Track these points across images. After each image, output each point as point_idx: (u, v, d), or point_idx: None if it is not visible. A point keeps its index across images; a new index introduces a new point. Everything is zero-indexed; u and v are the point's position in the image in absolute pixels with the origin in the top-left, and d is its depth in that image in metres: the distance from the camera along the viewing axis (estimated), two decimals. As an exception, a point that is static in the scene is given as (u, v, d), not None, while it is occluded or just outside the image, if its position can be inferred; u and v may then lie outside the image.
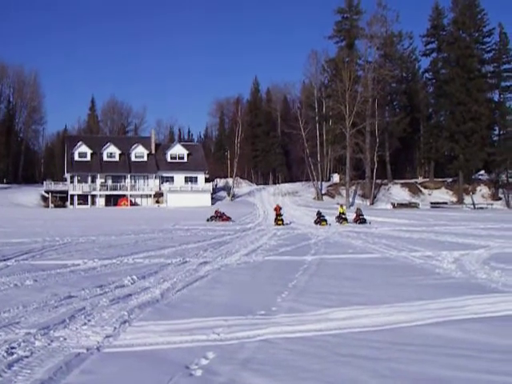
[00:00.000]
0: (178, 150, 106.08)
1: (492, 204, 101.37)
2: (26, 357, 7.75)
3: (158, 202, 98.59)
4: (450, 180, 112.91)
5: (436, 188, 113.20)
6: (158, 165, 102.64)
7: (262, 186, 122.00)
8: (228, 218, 55.17)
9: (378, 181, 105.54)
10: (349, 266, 18.86)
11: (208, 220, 53.95)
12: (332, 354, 8.04)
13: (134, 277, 15.26)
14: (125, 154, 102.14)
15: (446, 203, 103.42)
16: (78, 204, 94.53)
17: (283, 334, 9.20)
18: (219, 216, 55.08)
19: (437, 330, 9.53)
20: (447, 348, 8.37)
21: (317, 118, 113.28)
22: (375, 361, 7.71)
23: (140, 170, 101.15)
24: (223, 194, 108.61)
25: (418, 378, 7.03)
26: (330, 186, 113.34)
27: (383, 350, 8.30)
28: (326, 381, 6.90)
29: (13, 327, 9.40)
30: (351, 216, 52.65)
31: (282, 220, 48.38)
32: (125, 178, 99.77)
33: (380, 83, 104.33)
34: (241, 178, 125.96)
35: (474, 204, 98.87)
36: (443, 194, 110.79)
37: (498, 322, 10.23)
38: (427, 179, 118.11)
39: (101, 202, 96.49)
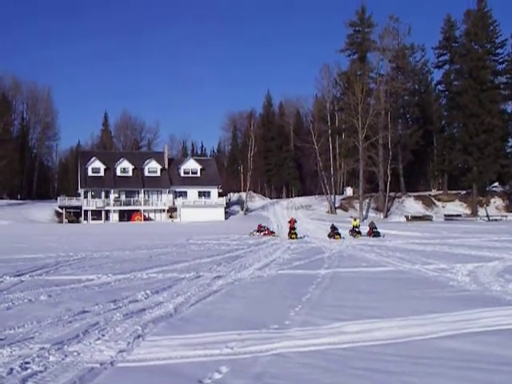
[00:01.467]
0: (191, 164, 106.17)
1: (506, 216, 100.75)
2: (41, 372, 7.79)
3: (171, 216, 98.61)
4: (463, 192, 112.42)
5: (450, 200, 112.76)
6: (171, 180, 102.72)
7: (275, 200, 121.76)
8: (271, 232, 54.52)
9: (392, 194, 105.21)
10: (362, 280, 18.83)
11: (251, 234, 53.37)
12: (345, 368, 8.02)
13: (148, 291, 15.29)
14: (138, 169, 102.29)
15: (459, 215, 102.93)
16: (92, 219, 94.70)
17: (296, 347, 9.20)
18: (261, 230, 54.55)
19: (451, 342, 9.51)
20: (462, 361, 8.34)
21: (329, 132, 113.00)
22: (389, 374, 7.69)
23: (153, 184, 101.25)
24: (237, 208, 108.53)
25: (432, 391, 7.02)
26: (344, 199, 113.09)
27: (397, 363, 8.28)
28: (340, 394, 6.90)
29: (27, 342, 9.45)
30: (365, 229, 52.50)
31: (295, 233, 48.29)
32: (138, 193, 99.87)
33: (392, 96, 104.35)
34: (254, 192, 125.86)
35: (488, 216, 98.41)
36: (457, 207, 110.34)
37: (513, 334, 10.19)
38: (441, 192, 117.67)
39: (114, 217, 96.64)
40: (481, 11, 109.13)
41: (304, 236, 50.46)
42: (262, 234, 53.47)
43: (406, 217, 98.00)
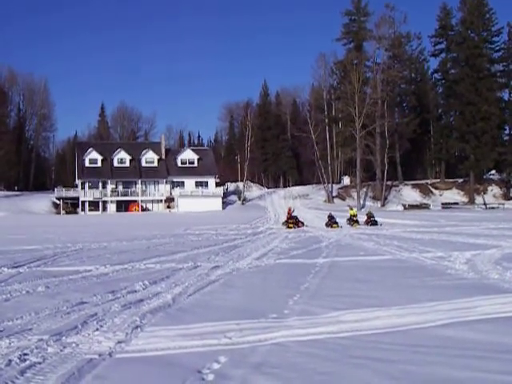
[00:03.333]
0: (189, 154, 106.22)
1: (504, 204, 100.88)
2: (39, 363, 7.78)
3: (168, 207, 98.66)
4: (460, 180, 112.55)
5: (447, 188, 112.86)
6: (168, 170, 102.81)
7: (272, 190, 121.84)
8: (302, 224, 50.02)
9: (389, 182, 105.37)
10: (360, 268, 18.83)
11: (283, 224, 51.45)
12: (344, 357, 8.03)
13: (146, 282, 15.28)
14: (135, 160, 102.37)
15: (457, 204, 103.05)
16: (89, 210, 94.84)
17: (295, 337, 9.19)
18: (290, 222, 51.50)
19: (449, 331, 9.51)
20: (460, 349, 8.35)
21: (326, 121, 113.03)
22: (387, 363, 7.70)
23: (150, 175, 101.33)
24: (234, 198, 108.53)
25: (430, 379, 7.02)
26: (341, 188, 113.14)
27: (395, 351, 8.28)
28: (340, 383, 6.89)
29: (25, 334, 9.43)
30: (362, 218, 52.50)
31: (292, 223, 48.27)
32: (135, 183, 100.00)
33: (389, 84, 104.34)
34: (251, 181, 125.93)
35: (485, 204, 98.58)
36: (454, 195, 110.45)
37: (511, 322, 10.20)
38: (438, 180, 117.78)
39: (112, 207, 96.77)
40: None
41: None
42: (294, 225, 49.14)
43: (404, 205, 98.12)
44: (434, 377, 7.10)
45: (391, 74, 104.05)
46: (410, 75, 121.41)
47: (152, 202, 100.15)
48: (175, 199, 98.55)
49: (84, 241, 32.86)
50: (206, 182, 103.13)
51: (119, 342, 8.88)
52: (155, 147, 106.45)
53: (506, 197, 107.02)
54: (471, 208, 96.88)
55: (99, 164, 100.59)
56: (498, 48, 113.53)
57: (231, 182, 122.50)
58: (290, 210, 50.80)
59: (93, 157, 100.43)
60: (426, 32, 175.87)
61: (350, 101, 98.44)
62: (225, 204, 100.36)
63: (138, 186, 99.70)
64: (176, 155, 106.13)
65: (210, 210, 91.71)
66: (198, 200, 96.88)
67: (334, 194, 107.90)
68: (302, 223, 49.48)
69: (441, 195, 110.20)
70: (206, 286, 15.07)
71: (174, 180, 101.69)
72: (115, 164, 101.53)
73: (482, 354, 8.08)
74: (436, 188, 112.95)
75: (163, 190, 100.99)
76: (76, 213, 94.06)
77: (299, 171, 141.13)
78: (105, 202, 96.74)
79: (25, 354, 8.15)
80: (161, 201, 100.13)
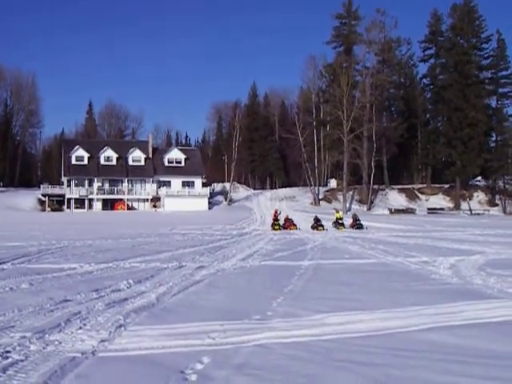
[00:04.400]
0: (176, 154, 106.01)
1: (489, 210, 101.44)
2: (21, 361, 7.75)
3: (155, 206, 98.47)
4: (447, 186, 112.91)
5: (433, 194, 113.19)
6: (155, 169, 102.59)
7: (259, 191, 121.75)
8: (295, 226, 50.34)
9: (375, 186, 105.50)
10: (345, 272, 18.88)
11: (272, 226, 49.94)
12: (327, 360, 8.04)
13: (131, 281, 15.27)
14: (122, 158, 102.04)
15: (442, 209, 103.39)
16: (75, 208, 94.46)
17: (278, 338, 9.20)
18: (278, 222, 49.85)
19: (432, 335, 9.55)
20: (443, 354, 8.38)
21: (314, 123, 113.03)
22: (370, 366, 7.71)
23: (137, 174, 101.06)
24: (220, 198, 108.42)
25: (413, 383, 7.03)
26: (327, 191, 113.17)
27: (379, 355, 8.30)
28: (321, 386, 6.91)
29: (8, 331, 9.39)
30: (348, 221, 52.62)
31: (278, 225, 48.38)
32: (122, 181, 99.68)
33: (378, 89, 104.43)
34: (238, 182, 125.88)
35: (470, 210, 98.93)
36: (440, 200, 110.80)
37: (494, 327, 10.27)
38: (424, 185, 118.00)
39: (98, 205, 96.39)
40: (467, 6, 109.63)
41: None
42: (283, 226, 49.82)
43: (390, 209, 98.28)
44: (416, 381, 7.12)
45: (380, 79, 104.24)
46: (399, 80, 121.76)
47: (138, 200, 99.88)
48: (161, 198, 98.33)
49: (69, 238, 32.80)
50: (193, 182, 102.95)
51: (102, 341, 8.86)
52: (142, 146, 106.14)
53: (492, 203, 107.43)
54: (457, 214, 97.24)
55: (86, 162, 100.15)
56: (486, 55, 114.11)
57: (218, 182, 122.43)
58: (276, 212, 50.86)
59: (79, 154, 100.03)
60: (416, 37, 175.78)
61: (339, 104, 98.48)
62: (211, 204, 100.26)
63: (125, 184, 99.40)
64: (163, 154, 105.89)
65: (196, 210, 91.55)
66: (185, 200, 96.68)
67: (321, 196, 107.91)
68: (295, 225, 49.61)
69: (427, 200, 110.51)
70: (190, 286, 15.07)
71: (161, 179, 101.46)
72: (102, 162, 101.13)
73: (465, 358, 8.12)
74: (422, 193, 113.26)
75: (149, 189, 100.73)
76: (61, 210, 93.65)
77: (286, 173, 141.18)
78: (91, 200, 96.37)
79: (7, 352, 8.12)
80: (147, 200, 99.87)
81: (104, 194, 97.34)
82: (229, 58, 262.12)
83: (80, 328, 9.72)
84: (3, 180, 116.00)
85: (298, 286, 15.23)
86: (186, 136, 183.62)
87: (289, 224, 49.78)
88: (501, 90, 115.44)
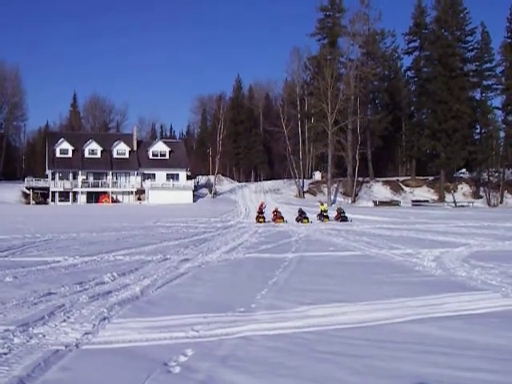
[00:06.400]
0: (160, 147, 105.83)
1: (473, 202, 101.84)
2: (5, 354, 7.73)
3: (139, 199, 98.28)
4: (431, 178, 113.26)
5: (417, 186, 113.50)
6: (139, 162, 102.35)
7: (243, 184, 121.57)
8: (282, 219, 49.65)
9: (360, 178, 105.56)
10: (329, 264, 18.91)
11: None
12: (311, 351, 8.06)
13: (115, 274, 15.25)
14: (106, 151, 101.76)
15: (427, 201, 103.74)
16: (60, 201, 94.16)
17: (262, 331, 9.22)
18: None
19: (416, 327, 9.59)
20: (426, 345, 8.42)
21: (299, 116, 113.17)
22: (354, 358, 7.74)
23: (122, 166, 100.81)
24: (205, 191, 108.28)
25: (396, 375, 7.06)
26: (312, 183, 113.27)
27: (362, 347, 8.33)
28: (304, 377, 6.92)
29: (-9, 324, 9.37)
30: (333, 214, 52.65)
31: (263, 217, 48.37)
32: (106, 174, 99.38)
33: (362, 81, 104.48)
34: (222, 175, 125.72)
35: (455, 202, 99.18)
36: (425, 192, 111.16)
37: (478, 319, 10.30)
38: (409, 177, 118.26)
39: (82, 198, 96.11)
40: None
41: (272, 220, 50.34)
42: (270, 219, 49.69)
43: (374, 202, 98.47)
44: (399, 372, 7.15)
45: (364, 71, 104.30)
46: (384, 72, 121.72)
47: (123, 193, 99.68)
48: (146, 191, 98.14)
49: (53, 231, 32.72)
50: (177, 175, 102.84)
51: (86, 334, 8.86)
52: (127, 139, 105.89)
53: (476, 195, 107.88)
54: (441, 206, 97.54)
55: (70, 155, 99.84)
56: (470, 47, 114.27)
57: (202, 175, 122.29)
58: (261, 205, 50.81)
59: (64, 147, 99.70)
60: (400, 30, 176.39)
61: (323, 96, 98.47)
62: (195, 197, 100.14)
63: (109, 177, 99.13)
64: (147, 147, 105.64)
65: (180, 202, 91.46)
66: (169, 192, 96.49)
67: (305, 189, 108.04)
68: (283, 218, 49.41)
69: (411, 192, 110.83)
70: (174, 278, 15.08)
71: (145, 172, 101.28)
72: (86, 155, 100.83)
73: (449, 350, 8.16)
74: (407, 185, 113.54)
75: (134, 181, 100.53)
76: (46, 203, 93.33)
77: (271, 166, 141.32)
78: (75, 193, 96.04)
79: (-10, 345, 8.10)
80: (131, 192, 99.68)
81: (88, 186, 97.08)
82: (213, 50, 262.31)
83: (64, 321, 9.71)
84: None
85: (282, 279, 15.25)
86: (171, 129, 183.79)
87: (277, 217, 49.68)
88: (485, 83, 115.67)
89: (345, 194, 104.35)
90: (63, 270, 16.55)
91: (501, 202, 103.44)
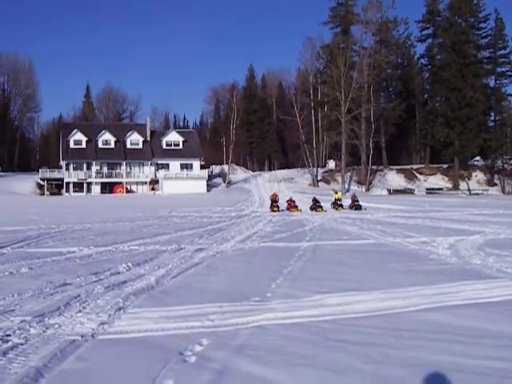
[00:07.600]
0: (174, 136, 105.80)
1: (487, 190, 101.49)
2: (21, 344, 7.77)
3: (153, 189, 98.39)
4: (445, 166, 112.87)
5: (431, 174, 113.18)
6: (153, 152, 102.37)
7: (257, 173, 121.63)
8: (296, 208, 49.77)
9: (374, 167, 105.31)
10: (344, 252, 18.88)
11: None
12: (326, 340, 8.06)
13: (130, 264, 15.27)
14: (120, 141, 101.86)
15: (441, 189, 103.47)
16: (74, 191, 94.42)
17: (277, 320, 9.23)
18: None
19: (431, 315, 9.57)
20: (442, 334, 8.40)
21: (312, 105, 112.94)
22: (369, 346, 7.74)
23: (135, 157, 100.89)
24: (219, 180, 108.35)
25: (412, 363, 7.05)
26: (326, 172, 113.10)
27: (377, 335, 8.33)
28: (320, 366, 6.93)
29: (8, 315, 9.40)
30: (347, 202, 52.57)
31: (277, 206, 48.30)
32: (120, 165, 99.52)
33: (375, 69, 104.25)
34: (236, 164, 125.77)
35: (469, 190, 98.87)
36: (439, 180, 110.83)
37: (493, 307, 10.27)
38: (423, 165, 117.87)
39: (96, 189, 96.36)
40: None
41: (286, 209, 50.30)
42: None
43: (388, 190, 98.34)
44: (414, 361, 7.14)
45: (378, 59, 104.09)
46: (397, 60, 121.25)
47: (136, 183, 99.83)
48: (160, 181, 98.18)
49: (68, 222, 32.79)
50: (191, 165, 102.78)
51: (102, 324, 8.88)
52: (140, 129, 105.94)
53: (490, 183, 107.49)
54: (455, 194, 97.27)
55: (84, 145, 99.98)
56: (484, 34, 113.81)
57: (216, 164, 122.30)
58: (274, 195, 50.72)
59: (77, 138, 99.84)
60: (413, 17, 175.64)
61: (336, 85, 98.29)
62: (209, 186, 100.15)
63: (123, 167, 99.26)
64: (161, 137, 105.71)
65: (194, 192, 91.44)
66: (183, 182, 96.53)
67: (319, 177, 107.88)
68: (297, 207, 49.32)
69: (425, 180, 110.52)
70: (189, 268, 15.09)
71: (159, 162, 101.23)
72: (100, 145, 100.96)
73: (464, 339, 8.14)
74: (421, 173, 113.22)
75: (148, 171, 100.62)
76: (60, 194, 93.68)
77: (284, 154, 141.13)
78: (89, 184, 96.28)
79: (7, 335, 8.14)
80: (145, 183, 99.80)
81: (102, 177, 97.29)
82: (226, 40, 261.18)
83: (79, 311, 9.74)
84: (2, 165, 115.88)
85: (297, 268, 15.24)
86: (184, 118, 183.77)
87: (291, 206, 49.65)
88: (499, 70, 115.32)
89: (359, 183, 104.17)
90: (78, 260, 16.58)
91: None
